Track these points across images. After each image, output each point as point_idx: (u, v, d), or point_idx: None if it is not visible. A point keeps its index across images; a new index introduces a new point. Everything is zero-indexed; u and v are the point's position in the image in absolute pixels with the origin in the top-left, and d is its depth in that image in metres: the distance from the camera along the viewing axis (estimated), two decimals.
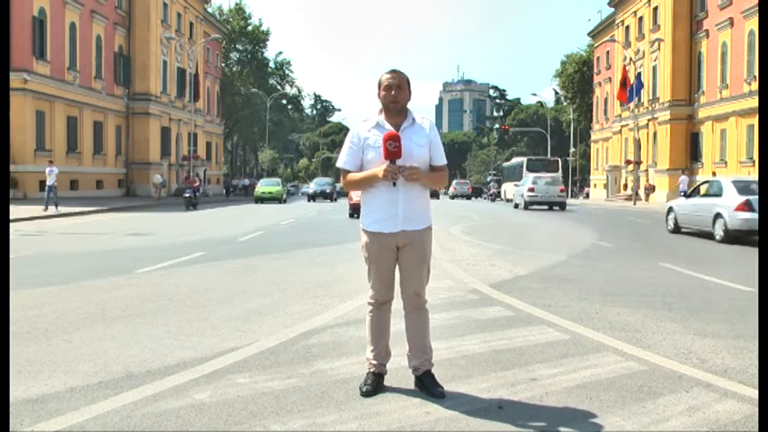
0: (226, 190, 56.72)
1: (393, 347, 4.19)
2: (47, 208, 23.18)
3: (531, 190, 31.56)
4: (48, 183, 23.92)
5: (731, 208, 15.14)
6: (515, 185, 34.87)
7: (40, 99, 33.33)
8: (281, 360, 4.70)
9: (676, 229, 18.33)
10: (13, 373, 4.21)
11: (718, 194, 16.27)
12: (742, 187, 15.85)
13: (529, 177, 34.13)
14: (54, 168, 24.47)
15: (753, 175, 32.81)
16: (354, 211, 21.73)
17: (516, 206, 34.11)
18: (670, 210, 19.16)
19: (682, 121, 42.74)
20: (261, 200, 40.45)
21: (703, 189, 17.86)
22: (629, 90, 42.01)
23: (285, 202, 42.09)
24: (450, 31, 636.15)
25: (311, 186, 49.58)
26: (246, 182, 62.89)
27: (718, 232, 15.63)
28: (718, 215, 15.58)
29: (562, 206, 31.77)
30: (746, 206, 14.86)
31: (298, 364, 4.59)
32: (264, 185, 43.02)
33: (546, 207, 31.85)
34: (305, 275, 9.08)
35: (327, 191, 46.37)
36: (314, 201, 44.63)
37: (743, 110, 35.16)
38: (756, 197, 14.71)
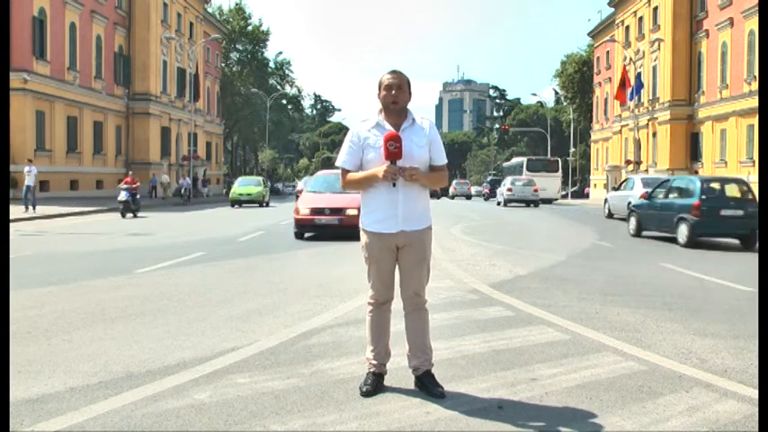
0: (228, 189, 56.61)
1: (393, 347, 4.20)
2: (27, 208, 22.53)
3: (510, 190, 37.05)
4: (26, 183, 23.51)
5: (637, 197, 19.47)
6: (509, 185, 39.39)
7: (40, 99, 33.31)
8: (281, 360, 4.70)
9: (610, 215, 24.65)
10: (13, 373, 4.22)
11: (632, 188, 22.26)
12: (648, 182, 21.56)
13: (508, 179, 39.50)
14: (33, 168, 24.13)
15: (753, 175, 32.83)
16: (302, 228, 14.89)
17: (498, 203, 38.47)
18: (606, 200, 26.02)
19: (682, 121, 42.71)
20: (238, 203, 33.74)
21: (624, 185, 24.28)
22: (630, 91, 42.01)
23: (267, 204, 35.40)
24: (450, 31, 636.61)
25: (299, 186, 40.05)
26: None
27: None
28: (629, 203, 19.20)
29: (536, 203, 36.79)
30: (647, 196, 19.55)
31: (298, 364, 4.60)
32: (242, 186, 35.70)
33: (523, 204, 36.52)
34: (305, 275, 9.08)
35: None
36: None
37: (743, 110, 35.13)
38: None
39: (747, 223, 14.47)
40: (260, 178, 38.89)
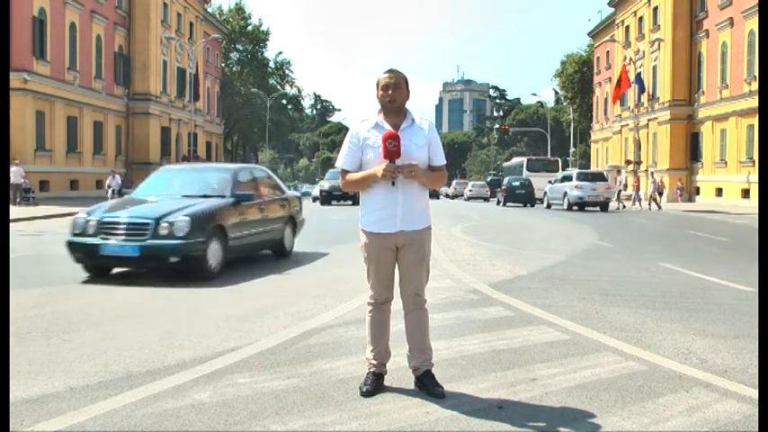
0: None
1: (393, 347, 4.20)
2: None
3: (471, 190, 52.42)
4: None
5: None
6: (470, 187, 54.47)
7: (40, 99, 33.31)
8: (281, 360, 4.70)
9: (501, 204, 36.61)
10: (13, 373, 4.21)
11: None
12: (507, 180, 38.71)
13: (469, 183, 57.83)
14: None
15: (753, 175, 32.81)
16: None
17: (465, 199, 51.27)
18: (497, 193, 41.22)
19: (682, 121, 42.69)
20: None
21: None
22: (634, 85, 42.05)
23: None
24: (450, 31, 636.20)
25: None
26: None
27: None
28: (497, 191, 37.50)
29: (486, 199, 48.92)
30: (497, 186, 40.11)
31: (298, 364, 4.60)
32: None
33: (481, 199, 49.58)
34: (305, 275, 9.08)
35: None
36: None
37: (743, 110, 35.12)
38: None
39: (526, 196, 35.31)
40: None
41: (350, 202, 32.72)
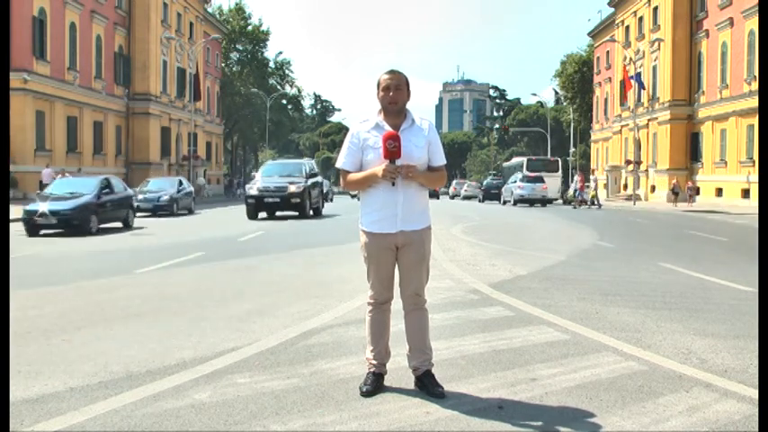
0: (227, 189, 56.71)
1: (393, 347, 4.19)
2: None
3: (466, 190, 59.82)
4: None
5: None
6: (466, 187, 61.47)
7: (40, 99, 33.30)
8: (281, 360, 4.70)
9: (482, 200, 46.92)
10: (13, 373, 4.22)
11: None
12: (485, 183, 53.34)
13: (464, 183, 66.18)
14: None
15: (753, 175, 32.81)
16: None
17: (462, 198, 57.91)
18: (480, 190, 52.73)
19: (682, 121, 42.68)
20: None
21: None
22: (633, 80, 42.25)
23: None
24: (450, 31, 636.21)
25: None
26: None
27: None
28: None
29: (480, 200, 51.20)
30: (480, 186, 54.71)
31: (298, 364, 4.60)
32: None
33: (475, 198, 53.89)
34: (305, 275, 9.08)
35: None
36: None
37: (743, 110, 35.11)
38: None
39: (499, 195, 42.48)
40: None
41: (296, 213, 22.06)
